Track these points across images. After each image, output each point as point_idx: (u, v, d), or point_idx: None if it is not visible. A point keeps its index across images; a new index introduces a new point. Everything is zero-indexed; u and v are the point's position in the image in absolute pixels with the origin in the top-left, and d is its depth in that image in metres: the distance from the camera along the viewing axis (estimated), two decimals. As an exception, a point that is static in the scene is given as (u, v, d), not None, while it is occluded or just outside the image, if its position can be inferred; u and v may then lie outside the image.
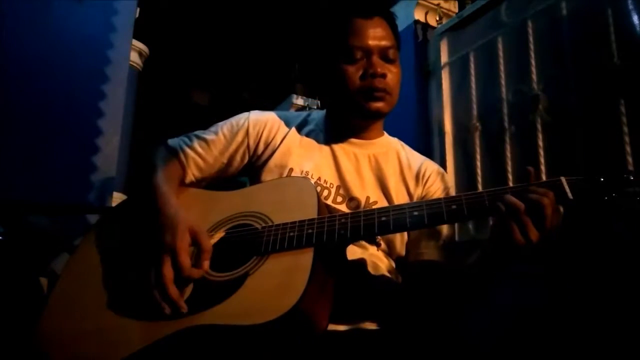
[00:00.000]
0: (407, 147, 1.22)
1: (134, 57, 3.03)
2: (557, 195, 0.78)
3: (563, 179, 0.79)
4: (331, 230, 0.85)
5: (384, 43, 1.06)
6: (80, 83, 2.12)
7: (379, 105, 1.05)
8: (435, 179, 1.14)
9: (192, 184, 1.12)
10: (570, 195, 0.77)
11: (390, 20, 1.11)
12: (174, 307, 0.83)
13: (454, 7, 2.53)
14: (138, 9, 2.51)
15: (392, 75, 1.06)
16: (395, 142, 1.21)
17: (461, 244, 2.04)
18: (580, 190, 0.77)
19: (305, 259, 0.82)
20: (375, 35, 1.06)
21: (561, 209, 0.79)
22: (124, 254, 0.98)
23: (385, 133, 1.21)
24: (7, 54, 1.97)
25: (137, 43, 3.01)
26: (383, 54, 1.06)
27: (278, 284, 0.81)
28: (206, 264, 0.87)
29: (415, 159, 1.18)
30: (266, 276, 0.83)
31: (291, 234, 0.86)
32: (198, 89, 5.10)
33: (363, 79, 1.05)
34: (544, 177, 1.73)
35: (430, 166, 1.17)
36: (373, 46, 1.05)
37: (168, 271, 0.84)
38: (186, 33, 4.22)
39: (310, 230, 0.85)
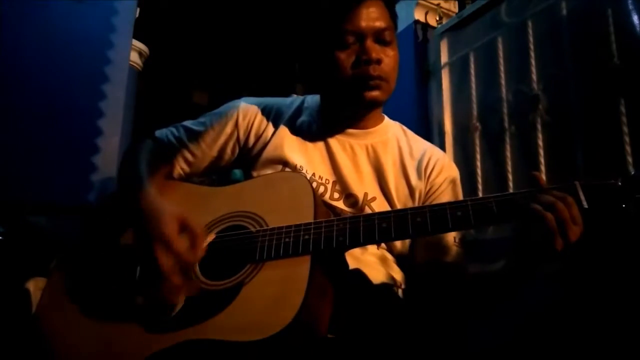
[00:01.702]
0: (409, 132, 1.15)
1: (134, 57, 3.03)
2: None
3: (578, 185, 0.73)
4: (329, 237, 0.81)
5: (378, 24, 0.97)
6: (80, 83, 2.12)
7: (374, 94, 0.98)
8: (440, 170, 1.07)
9: (182, 178, 1.08)
10: (585, 203, 0.71)
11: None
12: (181, 296, 0.80)
13: (454, 7, 2.53)
14: (138, 9, 2.51)
15: (388, 59, 0.99)
16: (396, 127, 1.14)
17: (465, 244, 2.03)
18: (596, 198, 0.72)
19: (302, 268, 0.79)
20: (369, 16, 0.97)
21: None
22: (110, 259, 0.94)
23: (385, 117, 1.13)
24: (6, 54, 1.97)
25: (137, 43, 3.00)
26: (378, 36, 0.98)
27: (275, 295, 0.77)
28: (202, 248, 0.82)
29: (417, 147, 1.10)
30: (262, 286, 0.79)
31: (287, 239, 0.82)
32: (198, 89, 5.10)
33: (356, 66, 0.97)
34: (543, 178, 1.73)
35: (434, 155, 1.09)
36: (366, 28, 0.97)
37: (165, 260, 0.78)
38: (186, 33, 4.22)
39: (306, 237, 0.81)
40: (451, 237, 1.02)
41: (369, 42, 0.98)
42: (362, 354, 0.87)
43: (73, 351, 0.86)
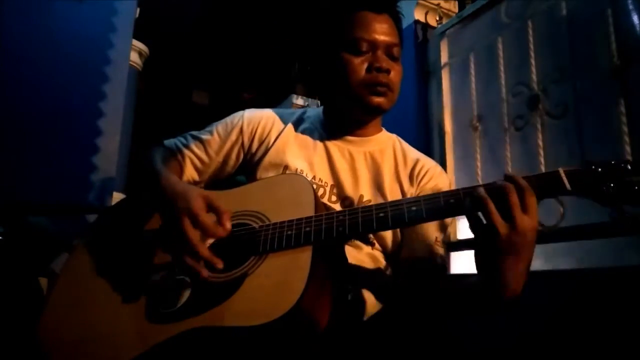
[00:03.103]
0: (404, 143, 1.19)
1: (134, 57, 3.03)
2: (557, 187, 0.77)
3: (561, 170, 0.78)
4: (329, 228, 0.84)
5: (390, 39, 1.05)
6: (80, 83, 2.12)
7: (380, 100, 1.03)
8: (431, 178, 1.11)
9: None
10: (568, 186, 0.76)
11: (397, 20, 1.10)
12: (209, 266, 0.82)
13: (454, 7, 2.53)
14: (138, 9, 2.51)
15: (395, 73, 1.05)
16: (392, 138, 1.19)
17: (462, 242, 2.04)
18: (578, 181, 0.77)
19: (303, 257, 0.81)
20: (383, 31, 1.04)
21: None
22: (125, 250, 0.97)
23: (383, 129, 1.18)
24: (7, 53, 1.97)
25: (137, 43, 3.01)
26: (388, 50, 1.05)
27: (277, 283, 0.80)
28: (228, 224, 0.85)
29: (411, 156, 1.15)
30: (265, 276, 0.82)
31: (289, 232, 0.85)
32: (198, 89, 5.10)
33: (368, 71, 1.03)
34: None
35: (426, 164, 1.13)
36: (380, 41, 1.04)
37: (193, 232, 0.82)
38: (186, 33, 4.22)
39: (307, 229, 0.84)
40: (433, 236, 1.04)
41: (380, 53, 1.04)
42: (361, 346, 0.89)
43: (78, 343, 0.87)
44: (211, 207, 0.86)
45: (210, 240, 0.89)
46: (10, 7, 2.00)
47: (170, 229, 0.86)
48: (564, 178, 0.77)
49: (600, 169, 0.76)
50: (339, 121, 1.13)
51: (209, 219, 0.84)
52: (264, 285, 0.81)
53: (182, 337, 0.80)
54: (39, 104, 2.01)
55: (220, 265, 0.83)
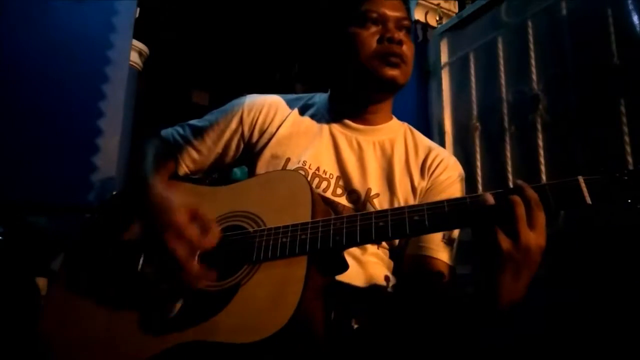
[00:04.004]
0: (415, 132, 1.13)
1: (134, 57, 3.03)
2: (574, 200, 0.67)
3: (581, 180, 0.66)
4: (325, 236, 0.80)
5: (399, 13, 1.00)
6: (80, 83, 2.12)
7: (394, 72, 0.97)
8: (444, 168, 1.05)
9: (186, 176, 1.08)
10: (588, 199, 0.65)
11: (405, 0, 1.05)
12: (202, 282, 0.78)
13: (454, 7, 2.53)
14: (138, 9, 2.51)
15: (407, 47, 0.99)
16: (403, 126, 1.12)
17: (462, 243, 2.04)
18: (600, 192, 0.65)
19: (298, 268, 0.78)
20: (392, 6, 1.00)
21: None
22: (118, 255, 0.94)
23: (394, 117, 1.12)
24: (7, 53, 1.97)
25: (137, 43, 3.01)
26: (399, 24, 1.00)
27: (271, 296, 0.77)
28: (215, 234, 0.81)
29: (423, 147, 1.08)
30: (259, 287, 0.79)
31: (284, 239, 0.81)
32: (198, 89, 5.10)
33: (379, 42, 0.97)
34: (543, 177, 1.74)
35: (440, 154, 1.07)
36: (389, 14, 0.99)
37: (180, 247, 0.77)
38: (186, 33, 4.22)
39: (303, 236, 0.80)
40: (441, 235, 0.99)
41: (391, 25, 1.00)
42: (361, 353, 0.87)
43: (73, 351, 0.87)
44: (195, 218, 0.81)
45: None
46: (10, 7, 2.00)
47: (154, 244, 0.81)
48: (584, 189, 0.66)
49: (626, 177, 0.64)
50: (348, 106, 1.07)
51: (193, 231, 0.79)
52: (258, 298, 0.78)
53: (175, 351, 0.78)
54: (39, 104, 2.00)
55: (213, 277, 0.79)
